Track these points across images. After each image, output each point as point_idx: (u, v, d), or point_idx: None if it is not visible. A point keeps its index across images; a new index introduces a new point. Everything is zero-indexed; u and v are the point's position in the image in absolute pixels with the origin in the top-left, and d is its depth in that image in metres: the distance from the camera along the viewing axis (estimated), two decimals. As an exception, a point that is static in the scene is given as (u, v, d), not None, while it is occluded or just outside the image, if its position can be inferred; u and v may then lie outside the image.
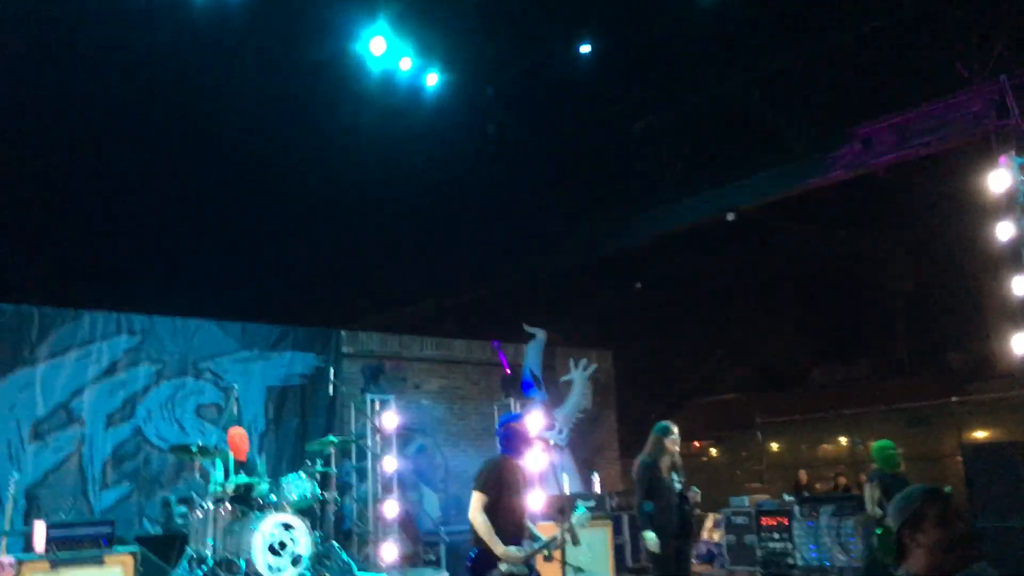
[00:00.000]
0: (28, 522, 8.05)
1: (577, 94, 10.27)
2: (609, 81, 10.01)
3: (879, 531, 7.42)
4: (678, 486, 7.01)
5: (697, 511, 7.02)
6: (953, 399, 13.31)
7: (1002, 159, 7.37)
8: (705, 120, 10.15)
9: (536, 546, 5.65)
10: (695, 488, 7.04)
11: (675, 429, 7.15)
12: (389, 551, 9.49)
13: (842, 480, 13.48)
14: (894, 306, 15.53)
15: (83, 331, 9.76)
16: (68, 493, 9.18)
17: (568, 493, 9.64)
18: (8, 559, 6.91)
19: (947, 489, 7.91)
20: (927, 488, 2.83)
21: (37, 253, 10.53)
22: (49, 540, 7.00)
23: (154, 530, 9.34)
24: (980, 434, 13.79)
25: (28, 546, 7.31)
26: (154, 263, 11.38)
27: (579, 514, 5.70)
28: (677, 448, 7.09)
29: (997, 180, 7.34)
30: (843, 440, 16.84)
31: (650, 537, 6.78)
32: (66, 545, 7.04)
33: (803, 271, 14.55)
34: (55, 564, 6.83)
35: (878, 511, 7.48)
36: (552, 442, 11.91)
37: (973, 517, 8.84)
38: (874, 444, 8.03)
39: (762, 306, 16.02)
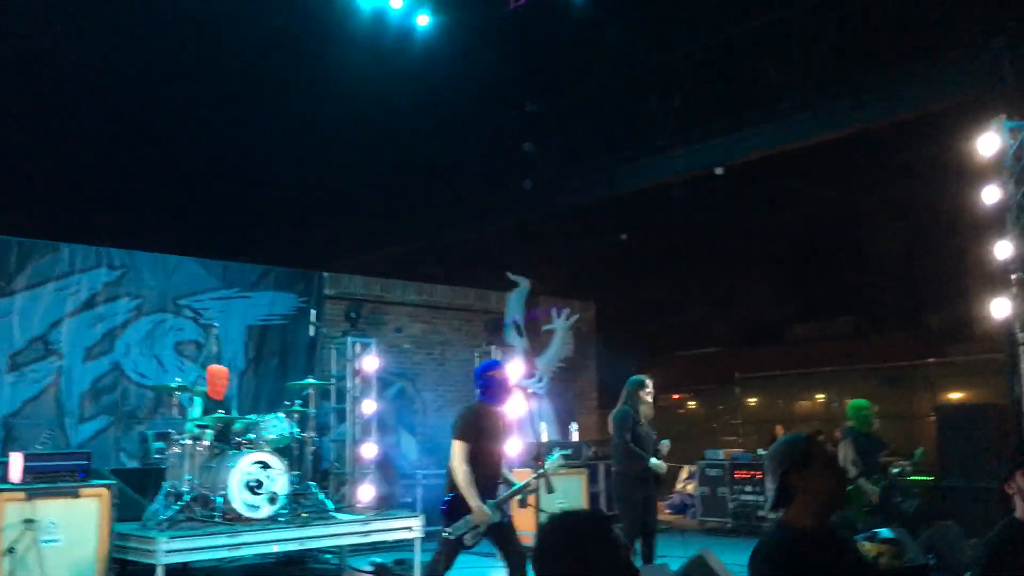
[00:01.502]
0: (4, 453, 8.04)
1: (569, 39, 10.12)
2: (603, 27, 9.86)
3: (850, 488, 7.53)
4: (654, 435, 7.16)
5: (664, 464, 7.18)
6: (930, 360, 13.44)
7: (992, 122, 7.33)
8: (698, 71, 10.04)
9: (509, 492, 5.73)
10: (665, 441, 7.18)
11: (649, 383, 7.26)
12: (366, 492, 9.56)
13: (820, 438, 13.64)
14: (877, 266, 15.58)
15: (62, 263, 9.65)
16: (45, 425, 9.15)
17: (545, 441, 9.72)
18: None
19: (919, 449, 8.02)
20: (809, 434, 2.89)
21: (17, 184, 10.38)
22: (25, 471, 7.01)
23: (131, 464, 9.36)
24: (955, 396, 13.95)
25: (4, 476, 7.32)
26: (136, 199, 11.26)
27: (552, 460, 5.78)
28: (651, 400, 7.21)
29: (986, 143, 7.30)
30: (820, 397, 17.03)
31: (654, 462, 6.94)
32: (42, 476, 7.05)
33: (789, 228, 14.54)
34: (31, 495, 6.85)
35: (850, 468, 7.59)
36: (531, 390, 11.98)
37: (942, 476, 8.99)
38: (849, 403, 8.13)
39: (746, 262, 16.03)
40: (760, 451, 12.06)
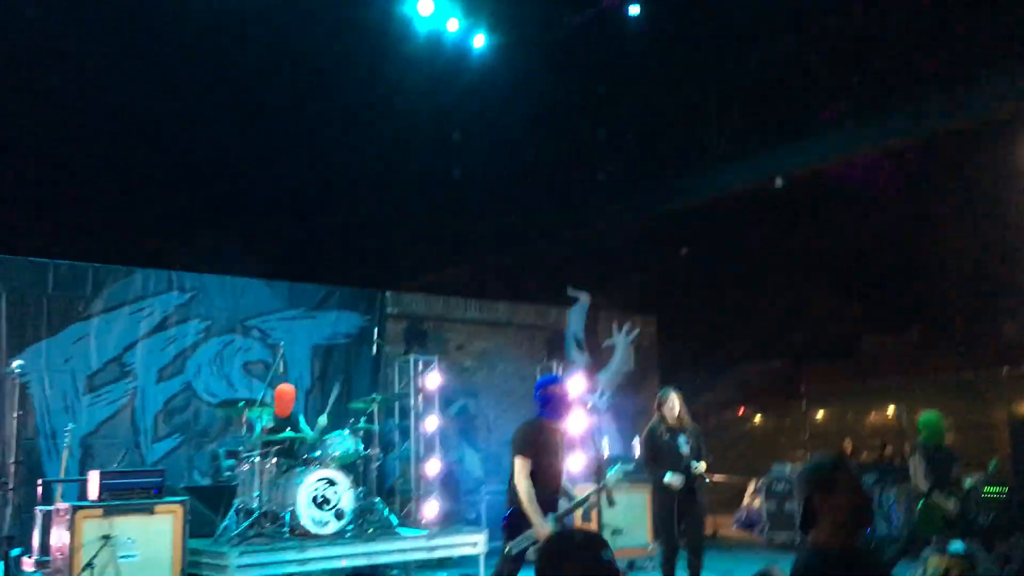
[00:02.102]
0: (83, 471, 8.33)
1: (626, 55, 10.15)
2: (659, 42, 9.87)
3: (922, 503, 7.36)
4: (685, 449, 7.04)
5: (704, 478, 7.08)
6: (1004, 370, 13.06)
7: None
8: (756, 82, 9.97)
9: (570, 506, 5.73)
10: (695, 462, 7.02)
11: (672, 394, 7.21)
12: (430, 508, 9.65)
13: (889, 449, 13.35)
14: (948, 275, 15.21)
15: (135, 287, 9.98)
16: (121, 444, 9.45)
17: (607, 456, 9.69)
18: (64, 506, 7.17)
19: (994, 460, 7.80)
20: (836, 457, 2.97)
21: (93, 212, 10.77)
22: (102, 488, 7.24)
23: (203, 481, 9.60)
24: (1031, 407, 13.52)
25: (83, 494, 7.58)
26: (205, 224, 11.57)
27: (612, 473, 5.77)
28: (675, 412, 7.12)
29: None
30: (890, 410, 16.64)
31: (670, 475, 6.87)
32: (119, 494, 7.28)
33: (856, 238, 14.29)
34: (108, 512, 7.07)
35: (923, 483, 7.41)
36: (593, 405, 11.97)
37: (1018, 488, 8.72)
38: (921, 416, 7.94)
39: (811, 273, 15.78)
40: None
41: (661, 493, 7.12)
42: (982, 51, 8.27)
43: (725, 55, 10.08)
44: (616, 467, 5.95)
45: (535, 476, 5.57)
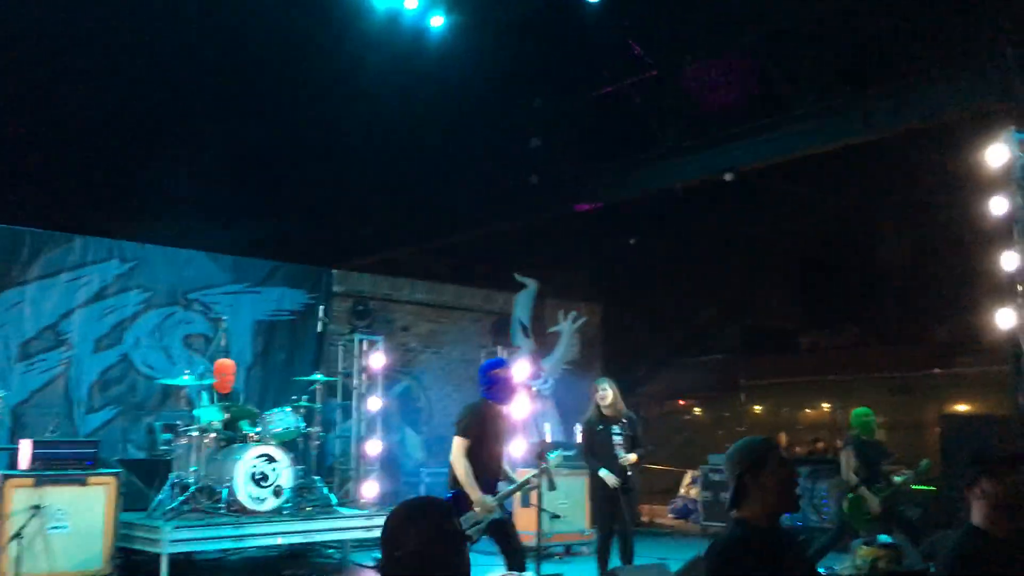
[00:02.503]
0: (14, 440, 8.13)
1: (580, 42, 10.15)
2: (614, 32, 9.89)
3: (851, 496, 7.55)
4: (618, 439, 7.08)
5: (630, 471, 7.11)
6: (936, 371, 13.44)
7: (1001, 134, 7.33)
8: (709, 75, 10.06)
9: (511, 488, 5.79)
10: (630, 454, 7.05)
11: (605, 384, 7.26)
12: (370, 488, 9.63)
13: (820, 445, 13.66)
14: (885, 275, 15.57)
15: (74, 255, 9.76)
16: (53, 414, 9.24)
17: (548, 441, 9.76)
18: (-8, 475, 7.00)
19: (925, 461, 8.02)
20: (766, 438, 3.07)
21: (33, 176, 10.47)
22: (34, 458, 7.09)
23: (138, 455, 9.44)
24: (961, 407, 13.94)
25: (13, 463, 7.41)
26: (149, 193, 11.33)
27: (553, 457, 5.84)
28: (607, 401, 7.16)
29: (995, 155, 7.32)
30: (826, 406, 17.02)
31: (605, 472, 6.94)
32: (50, 463, 7.13)
33: (797, 235, 14.56)
34: (39, 481, 6.93)
35: (852, 477, 7.60)
36: (536, 391, 12.03)
37: (947, 486, 9.00)
38: (853, 411, 8.14)
39: (754, 269, 16.03)
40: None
41: (597, 482, 7.19)
42: (931, 54, 8.45)
43: (678, 45, 10.14)
44: (557, 451, 6.02)
45: (476, 458, 5.61)
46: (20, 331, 9.31)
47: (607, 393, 7.18)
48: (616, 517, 6.99)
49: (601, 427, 7.11)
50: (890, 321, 16.61)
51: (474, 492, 5.50)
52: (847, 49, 8.96)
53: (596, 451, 7.13)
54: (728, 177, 9.97)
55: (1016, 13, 7.87)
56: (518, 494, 6.10)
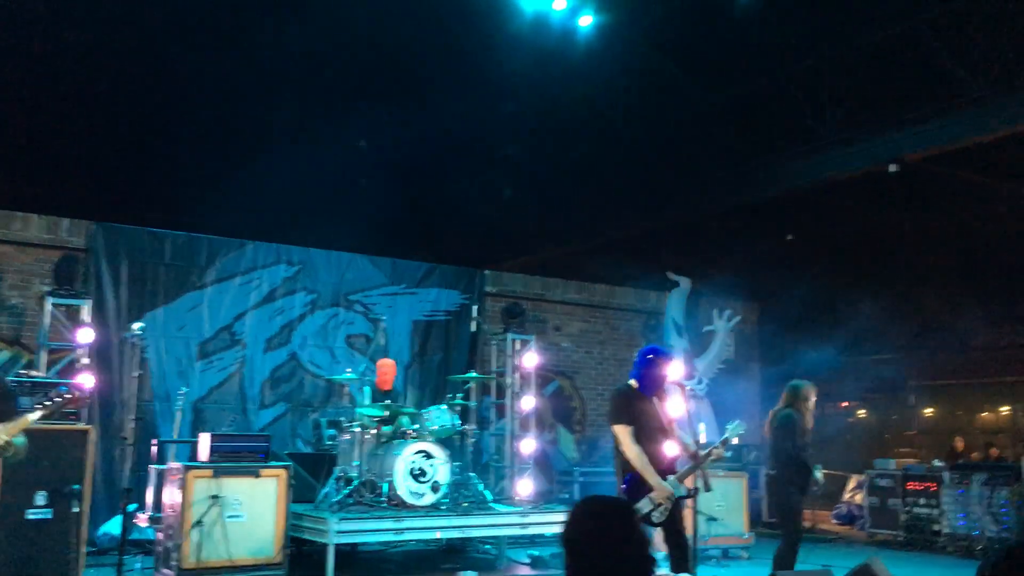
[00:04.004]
0: (194, 434, 8.71)
1: (734, 34, 9.91)
2: (768, 21, 9.60)
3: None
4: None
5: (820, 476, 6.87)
6: None
7: None
8: (870, 62, 9.60)
9: (689, 466, 5.58)
10: (816, 471, 6.86)
11: (814, 391, 7.00)
12: (524, 486, 9.73)
13: (994, 451, 12.79)
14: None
15: (246, 259, 10.36)
16: (229, 410, 9.86)
17: (703, 443, 9.57)
18: (177, 465, 7.52)
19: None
20: None
21: (208, 187, 11.16)
22: (212, 451, 7.56)
23: (305, 449, 9.91)
24: None
25: (193, 455, 7.93)
26: (314, 200, 11.85)
27: (733, 427, 5.62)
28: (812, 407, 6.94)
29: None
30: (1005, 409, 15.91)
31: (819, 474, 6.72)
32: (227, 456, 7.58)
33: (971, 227, 13.65)
34: (217, 472, 7.38)
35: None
36: (691, 391, 11.83)
37: None
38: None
39: (923, 264, 15.16)
40: (936, 462, 11.42)
41: (793, 489, 6.89)
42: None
43: (839, 33, 9.72)
44: (736, 423, 5.77)
45: (641, 443, 5.46)
46: (199, 332, 9.96)
47: (814, 399, 6.99)
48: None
49: (806, 433, 6.90)
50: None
51: (652, 477, 5.37)
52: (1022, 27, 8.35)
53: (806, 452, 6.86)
54: (892, 168, 9.48)
55: None
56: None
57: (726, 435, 5.58)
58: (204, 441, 7.67)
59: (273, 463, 7.74)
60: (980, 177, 10.84)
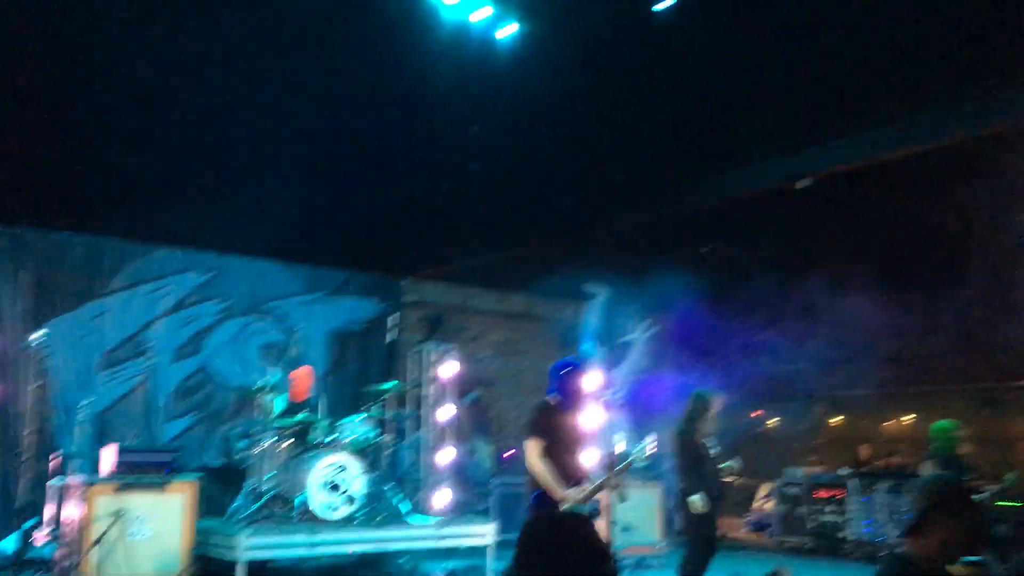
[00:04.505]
0: (97, 447, 8.37)
1: (651, 52, 10.05)
2: (684, 41, 9.76)
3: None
4: (713, 451, 7.00)
5: (731, 479, 6.99)
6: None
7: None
8: (782, 83, 9.85)
9: (595, 484, 5.60)
10: (730, 463, 6.99)
11: (714, 397, 7.11)
12: (441, 498, 9.64)
13: (893, 460, 13.20)
14: (972, 283, 14.99)
15: (155, 266, 10.04)
16: (135, 422, 9.53)
17: (620, 452, 9.64)
18: (77, 480, 7.22)
19: (1013, 473, 7.71)
20: (963, 478, 2.98)
21: (114, 187, 10.79)
22: (116, 464, 7.28)
23: (215, 462, 9.64)
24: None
25: (96, 469, 7.63)
26: (227, 205, 11.57)
27: (638, 449, 5.64)
28: (715, 415, 7.04)
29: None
30: (908, 418, 16.48)
31: (695, 499, 6.76)
32: (132, 470, 7.33)
33: (878, 242, 14.12)
34: (121, 487, 7.12)
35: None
36: (608, 401, 11.91)
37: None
38: (934, 424, 7.86)
39: (833, 277, 15.61)
40: (842, 471, 11.75)
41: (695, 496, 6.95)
42: (1014, 54, 8.12)
43: (754, 55, 9.95)
44: (643, 444, 5.79)
45: (552, 460, 5.48)
46: (103, 341, 9.61)
47: (717, 407, 7.06)
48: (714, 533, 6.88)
49: (703, 440, 6.97)
50: (978, 330, 16.03)
51: (558, 491, 5.39)
52: (927, 51, 8.67)
53: (703, 466, 6.91)
54: (800, 184, 9.73)
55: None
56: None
57: (631, 457, 5.61)
58: (107, 455, 7.39)
59: (180, 477, 7.52)
60: (883, 193, 11.21)
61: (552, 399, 5.73)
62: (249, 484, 7.99)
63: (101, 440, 8.73)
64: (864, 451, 13.51)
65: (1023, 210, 10.45)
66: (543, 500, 5.43)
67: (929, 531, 2.77)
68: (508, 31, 9.57)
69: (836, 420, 16.39)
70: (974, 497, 2.89)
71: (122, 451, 7.46)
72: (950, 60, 8.46)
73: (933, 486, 2.90)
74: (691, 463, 6.91)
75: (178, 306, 10.13)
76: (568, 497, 5.38)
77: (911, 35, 8.44)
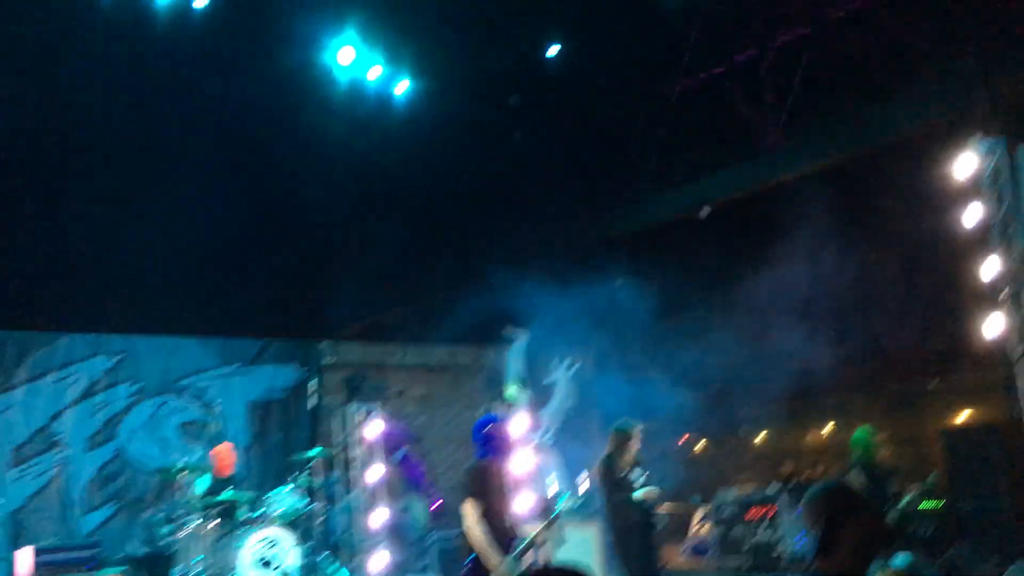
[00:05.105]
0: (13, 548, 7.99)
1: (547, 94, 10.29)
2: (580, 79, 10.03)
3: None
4: (639, 481, 7.06)
5: (656, 509, 7.07)
6: (934, 383, 13.39)
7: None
8: (677, 110, 10.19)
9: (523, 545, 5.65)
10: (652, 487, 7.07)
11: (633, 428, 7.22)
12: (378, 560, 9.48)
13: (817, 471, 13.48)
14: (875, 293, 15.56)
15: (60, 354, 9.72)
16: (52, 517, 9.14)
17: (554, 494, 9.66)
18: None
19: (933, 474, 7.98)
20: (847, 483, 2.84)
21: (9, 277, 10.42)
22: (36, 566, 6.97)
23: (140, 551, 9.28)
24: (961, 418, 13.87)
25: (12, 573, 7.27)
26: (129, 283, 11.28)
27: (563, 501, 5.74)
28: (637, 446, 7.14)
29: (964, 164, 7.37)
30: (827, 427, 16.89)
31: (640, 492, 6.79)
32: (51, 570, 7.01)
33: (781, 263, 14.56)
34: (40, 590, 6.80)
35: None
36: (538, 443, 11.92)
37: (954, 500, 8.94)
38: (853, 433, 8.09)
39: (745, 299, 16.00)
40: (769, 488, 11.98)
41: (625, 528, 7.02)
42: (887, 71, 8.57)
43: (645, 87, 10.27)
44: (565, 495, 5.91)
45: (489, 518, 5.50)
46: (12, 437, 9.22)
47: (638, 438, 7.15)
48: (654, 562, 6.91)
49: (625, 472, 7.05)
50: (884, 338, 16.60)
51: (493, 558, 5.39)
52: (805, 75, 9.08)
53: (620, 495, 6.98)
54: (704, 212, 10.03)
55: (975, 20, 7.99)
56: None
57: (556, 511, 5.69)
58: (24, 557, 7.08)
59: (105, 571, 7.23)
60: (782, 217, 11.60)
61: (482, 461, 5.76)
62: (177, 570, 7.71)
63: (16, 542, 8.34)
64: (787, 466, 13.80)
65: (917, 219, 10.91)
66: (477, 566, 5.43)
67: (836, 547, 2.60)
68: (403, 87, 9.72)
69: (762, 437, 16.72)
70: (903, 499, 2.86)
71: (39, 551, 7.14)
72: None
73: (818, 499, 2.70)
74: (612, 496, 7.03)
75: (88, 393, 9.80)
76: (504, 568, 5.40)
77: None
